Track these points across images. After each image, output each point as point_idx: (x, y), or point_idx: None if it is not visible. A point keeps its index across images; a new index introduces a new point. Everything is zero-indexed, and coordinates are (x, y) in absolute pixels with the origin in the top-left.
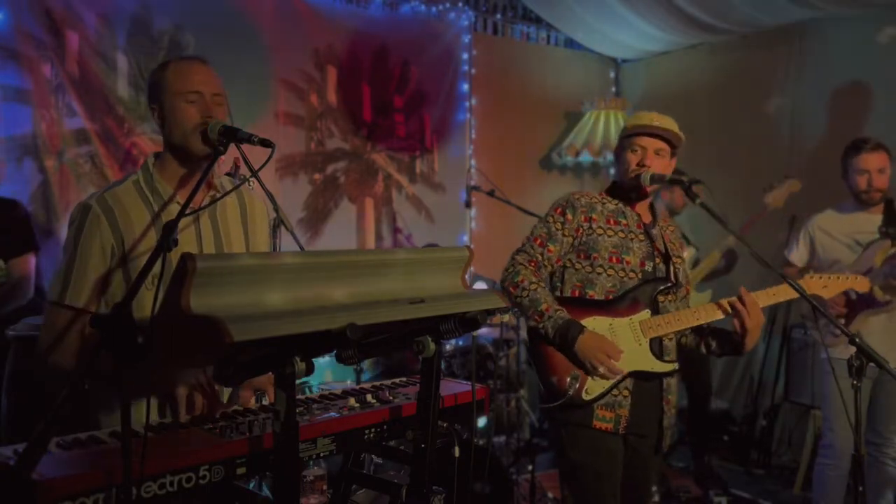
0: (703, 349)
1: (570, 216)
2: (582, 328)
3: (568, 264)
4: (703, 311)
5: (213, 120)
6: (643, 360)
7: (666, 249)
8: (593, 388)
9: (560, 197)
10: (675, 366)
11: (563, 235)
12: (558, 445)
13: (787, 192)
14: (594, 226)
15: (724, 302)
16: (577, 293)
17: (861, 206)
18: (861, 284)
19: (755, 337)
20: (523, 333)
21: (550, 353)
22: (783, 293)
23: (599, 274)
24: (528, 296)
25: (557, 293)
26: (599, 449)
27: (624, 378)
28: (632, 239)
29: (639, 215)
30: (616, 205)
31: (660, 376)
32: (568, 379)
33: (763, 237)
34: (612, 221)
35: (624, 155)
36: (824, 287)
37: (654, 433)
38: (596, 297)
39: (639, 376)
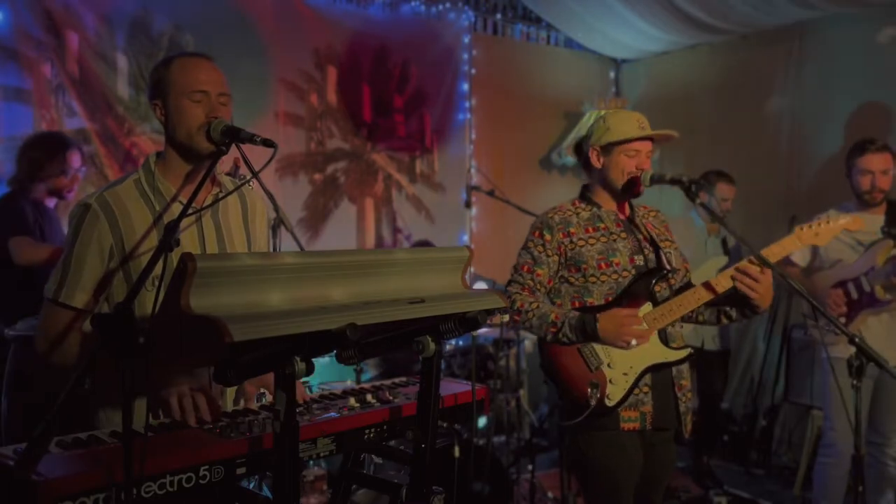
0: (724, 319)
1: (548, 236)
2: (595, 317)
3: (562, 280)
4: (702, 290)
5: (217, 119)
6: (656, 353)
7: (651, 237)
8: (615, 393)
9: (535, 220)
10: (689, 351)
11: (547, 256)
12: (574, 450)
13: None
14: (574, 239)
15: (724, 276)
16: (576, 304)
17: (863, 206)
18: (855, 223)
19: (770, 297)
20: (523, 333)
21: (566, 366)
22: (781, 250)
23: (593, 283)
24: (533, 315)
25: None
26: (619, 450)
27: (643, 375)
28: (615, 240)
29: (616, 213)
30: (590, 210)
31: (674, 365)
32: (588, 389)
33: (763, 237)
34: (590, 229)
35: (619, 158)
36: (816, 235)
37: (673, 423)
38: (595, 303)
39: (654, 369)
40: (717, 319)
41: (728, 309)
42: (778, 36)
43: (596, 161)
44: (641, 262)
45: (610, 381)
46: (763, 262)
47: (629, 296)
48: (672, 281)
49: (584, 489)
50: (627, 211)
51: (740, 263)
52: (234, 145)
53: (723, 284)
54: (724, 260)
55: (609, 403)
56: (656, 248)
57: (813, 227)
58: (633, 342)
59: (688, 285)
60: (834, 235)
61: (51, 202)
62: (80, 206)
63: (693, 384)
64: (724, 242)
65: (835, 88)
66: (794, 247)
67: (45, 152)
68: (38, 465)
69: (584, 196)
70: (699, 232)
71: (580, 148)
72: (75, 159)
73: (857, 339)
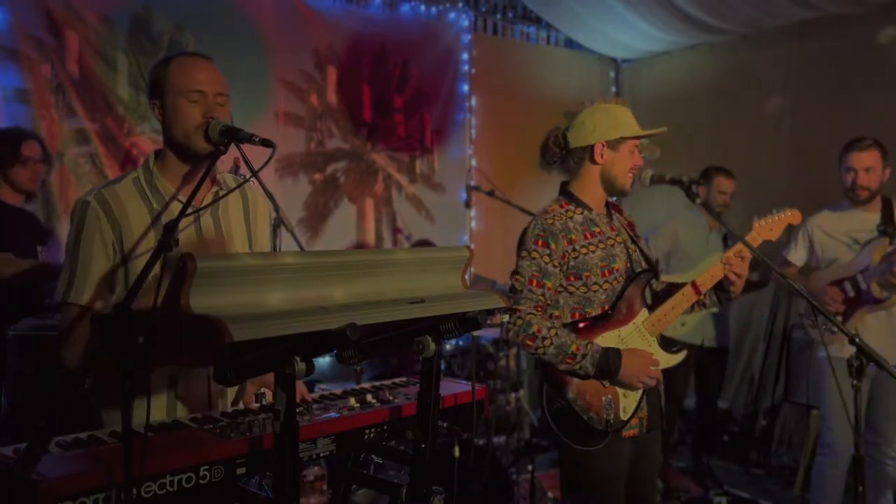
0: (697, 308)
1: (553, 245)
2: (619, 354)
3: (560, 289)
4: (689, 290)
5: (215, 119)
6: (661, 360)
7: (632, 237)
8: (629, 405)
9: (532, 226)
10: (685, 353)
11: (554, 267)
12: (572, 460)
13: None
14: (577, 247)
15: (707, 275)
16: (577, 315)
17: (854, 204)
18: (794, 217)
19: (742, 284)
20: (541, 359)
21: (579, 383)
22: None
23: (595, 291)
24: (551, 344)
25: (555, 320)
26: (618, 458)
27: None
28: (612, 245)
29: (606, 216)
30: (582, 214)
31: (673, 367)
32: (604, 408)
33: None
34: (588, 235)
35: (625, 154)
36: (771, 230)
37: (660, 422)
38: (594, 314)
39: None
40: (690, 308)
41: (702, 298)
42: (778, 36)
43: (599, 156)
44: (629, 265)
45: (623, 395)
46: (764, 263)
47: (626, 302)
48: (656, 281)
49: (573, 495)
50: (604, 210)
51: (727, 255)
52: (234, 145)
53: (707, 283)
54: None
55: (624, 417)
56: (638, 248)
57: (767, 222)
58: (651, 383)
59: (670, 286)
60: (782, 228)
61: (19, 201)
62: (80, 203)
63: (690, 383)
64: (724, 239)
65: (835, 88)
66: (755, 242)
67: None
68: (38, 464)
69: (570, 196)
70: (700, 229)
71: (565, 140)
72: (31, 148)
73: (857, 339)
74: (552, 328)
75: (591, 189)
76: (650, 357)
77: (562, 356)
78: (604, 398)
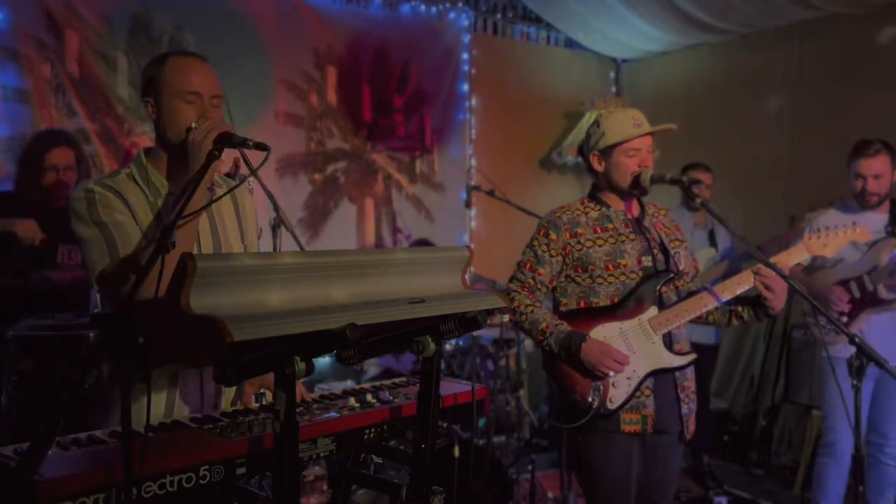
0: (736, 321)
1: (553, 236)
2: (584, 337)
3: (568, 279)
4: (707, 296)
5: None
6: (660, 358)
7: (661, 238)
8: (617, 396)
9: (543, 217)
10: (693, 356)
11: (551, 256)
12: (574, 451)
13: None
14: (582, 240)
15: (730, 283)
16: (582, 304)
17: (863, 206)
18: (861, 234)
19: (783, 299)
20: (524, 334)
21: (569, 370)
22: (789, 259)
23: (600, 283)
24: (527, 319)
25: (562, 308)
26: (617, 453)
27: (645, 379)
28: (623, 241)
29: (624, 213)
30: (599, 210)
31: (677, 370)
32: (590, 391)
33: (763, 237)
34: (598, 230)
35: (620, 160)
36: (825, 246)
37: (676, 426)
38: (601, 304)
39: (656, 373)
40: (728, 321)
41: (740, 310)
42: (778, 36)
43: (597, 165)
44: (649, 264)
45: (613, 385)
46: (765, 263)
47: (636, 298)
48: (679, 283)
49: (583, 491)
50: (637, 210)
51: (760, 265)
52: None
53: (728, 292)
54: (711, 251)
55: (611, 406)
56: (665, 250)
57: (822, 237)
58: (611, 374)
59: (689, 293)
60: (841, 246)
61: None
62: (84, 191)
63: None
64: (710, 235)
65: (835, 88)
66: (800, 256)
67: (27, 153)
68: (40, 465)
69: (594, 196)
70: (685, 225)
71: (582, 152)
72: (59, 156)
73: (857, 339)
74: (529, 305)
75: (605, 191)
76: (616, 353)
77: (534, 332)
78: (591, 384)
